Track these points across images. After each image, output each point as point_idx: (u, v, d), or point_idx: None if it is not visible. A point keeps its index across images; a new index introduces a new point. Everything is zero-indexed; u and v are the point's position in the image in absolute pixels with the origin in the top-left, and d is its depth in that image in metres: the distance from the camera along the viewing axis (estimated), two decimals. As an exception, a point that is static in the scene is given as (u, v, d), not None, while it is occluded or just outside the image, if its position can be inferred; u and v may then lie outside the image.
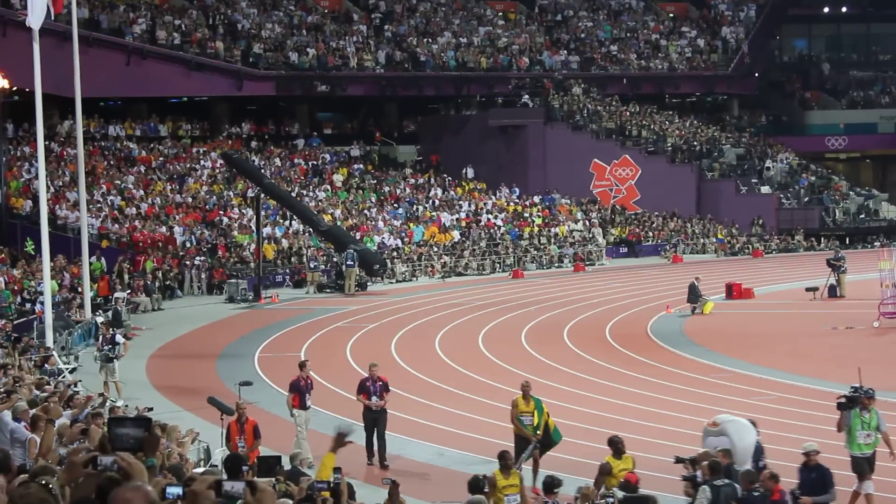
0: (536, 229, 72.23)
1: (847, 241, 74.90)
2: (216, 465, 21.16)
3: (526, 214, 74.23)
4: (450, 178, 77.65)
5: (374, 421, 25.60)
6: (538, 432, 23.27)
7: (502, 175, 77.88)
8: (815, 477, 18.82)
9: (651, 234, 75.71)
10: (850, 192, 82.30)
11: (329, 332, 45.17)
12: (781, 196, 79.86)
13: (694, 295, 48.66)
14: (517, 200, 76.53)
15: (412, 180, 77.36)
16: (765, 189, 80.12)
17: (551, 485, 17.28)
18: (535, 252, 69.45)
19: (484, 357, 39.13)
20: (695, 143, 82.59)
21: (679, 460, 18.05)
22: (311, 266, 60.34)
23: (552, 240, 71.17)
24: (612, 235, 74.67)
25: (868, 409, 20.77)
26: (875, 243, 73.22)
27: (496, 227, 71.33)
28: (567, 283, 60.48)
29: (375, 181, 75.76)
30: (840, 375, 33.23)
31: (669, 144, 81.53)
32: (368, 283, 59.31)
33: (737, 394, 31.05)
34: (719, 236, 75.98)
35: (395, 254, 64.42)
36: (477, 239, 69.45)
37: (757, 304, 51.41)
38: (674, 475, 19.15)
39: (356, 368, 35.40)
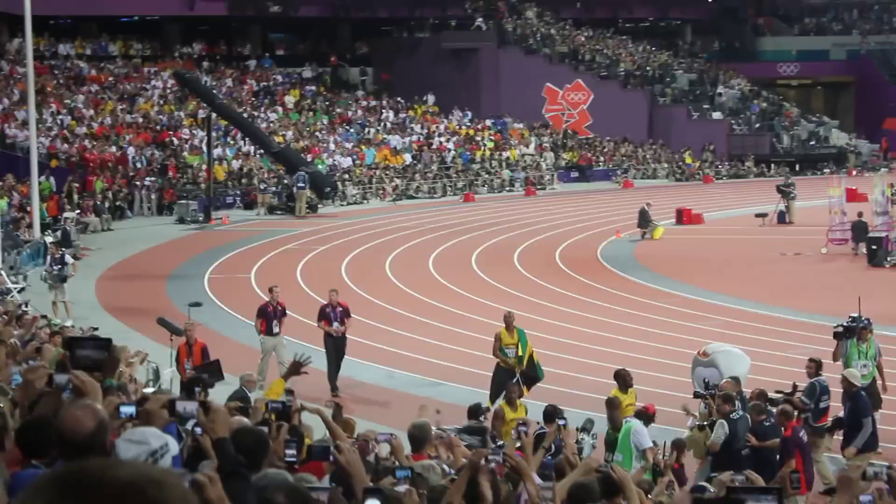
0: (488, 153, 72.17)
1: (797, 168, 75.15)
2: (165, 387, 21.16)
3: (478, 138, 74.11)
4: (403, 101, 77.30)
5: (336, 348, 25.33)
6: (522, 365, 22.63)
7: (455, 99, 77.56)
8: (849, 406, 18.34)
9: (602, 158, 75.82)
10: (801, 119, 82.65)
11: (279, 254, 45.09)
12: (733, 122, 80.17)
13: (644, 220, 48.88)
14: (469, 124, 76.36)
15: (364, 102, 77.02)
16: (716, 115, 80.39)
17: (553, 414, 16.72)
18: (487, 176, 69.46)
19: (434, 280, 39.22)
20: (647, 68, 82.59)
21: (698, 395, 17.68)
22: (262, 188, 60.15)
23: (504, 164, 71.16)
24: (563, 160, 74.73)
25: (865, 339, 20.67)
26: (825, 170, 73.62)
27: (448, 151, 71.20)
28: (518, 207, 60.56)
29: (328, 103, 75.37)
30: (787, 301, 33.72)
31: (622, 69, 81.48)
32: (319, 206, 59.21)
33: (686, 318, 31.27)
34: (688, 161, 76.13)
35: (346, 176, 64.24)
36: (428, 162, 69.35)
37: (706, 229, 51.68)
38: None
39: (307, 291, 35.43)
